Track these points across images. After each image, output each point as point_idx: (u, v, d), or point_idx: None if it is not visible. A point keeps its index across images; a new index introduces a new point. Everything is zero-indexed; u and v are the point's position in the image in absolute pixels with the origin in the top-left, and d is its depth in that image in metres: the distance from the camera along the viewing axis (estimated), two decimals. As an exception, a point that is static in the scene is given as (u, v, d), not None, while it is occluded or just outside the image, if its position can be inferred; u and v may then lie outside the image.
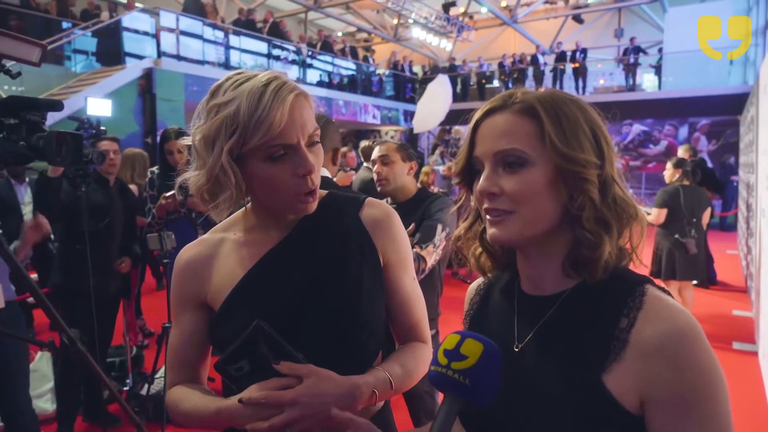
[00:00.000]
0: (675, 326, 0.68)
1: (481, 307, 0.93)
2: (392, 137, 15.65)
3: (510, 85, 15.37)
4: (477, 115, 0.81)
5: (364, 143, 5.01)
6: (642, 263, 0.80)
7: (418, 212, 2.28)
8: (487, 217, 0.79)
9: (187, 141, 0.96)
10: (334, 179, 2.07)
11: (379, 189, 2.38)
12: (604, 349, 0.71)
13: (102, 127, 3.31)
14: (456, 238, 0.89)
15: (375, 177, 2.40)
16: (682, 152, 6.11)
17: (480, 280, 0.97)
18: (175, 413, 1.01)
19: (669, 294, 0.75)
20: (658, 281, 0.80)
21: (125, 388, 3.38)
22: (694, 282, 4.88)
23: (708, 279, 6.24)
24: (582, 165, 0.74)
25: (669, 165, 4.69)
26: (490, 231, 0.79)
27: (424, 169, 6.65)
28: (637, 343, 0.69)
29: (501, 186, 0.76)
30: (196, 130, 0.93)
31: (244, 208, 1.06)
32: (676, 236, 4.41)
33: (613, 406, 0.69)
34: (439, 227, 2.21)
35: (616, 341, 0.70)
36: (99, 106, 3.58)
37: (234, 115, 0.88)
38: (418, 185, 2.51)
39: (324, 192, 1.07)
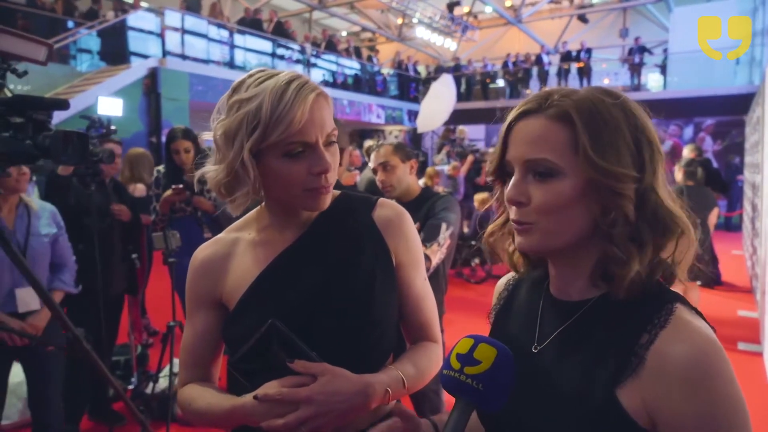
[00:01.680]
0: (692, 350, 0.65)
1: (507, 304, 0.92)
2: (396, 137, 15.65)
3: (514, 85, 15.32)
4: (511, 116, 0.77)
5: (368, 143, 5.01)
6: (686, 279, 0.76)
7: (423, 211, 2.28)
8: (513, 224, 0.77)
9: (207, 136, 0.98)
10: (339, 179, 2.07)
11: (386, 196, 2.37)
12: (621, 362, 0.69)
13: (112, 126, 3.32)
14: (489, 234, 0.88)
15: (380, 185, 2.40)
16: (687, 152, 6.10)
17: (510, 274, 0.96)
18: (187, 412, 1.02)
19: (701, 315, 0.71)
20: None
21: (130, 387, 3.39)
22: (699, 282, 4.86)
23: (713, 279, 6.22)
24: (617, 179, 0.69)
25: (677, 165, 4.71)
26: (517, 239, 0.78)
27: (428, 171, 6.64)
28: (654, 361, 0.67)
29: (529, 195, 0.73)
30: (217, 125, 0.95)
31: (258, 207, 1.07)
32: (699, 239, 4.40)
33: (625, 421, 0.68)
34: (444, 226, 2.21)
35: (635, 357, 0.68)
36: (110, 106, 3.58)
37: (256, 111, 0.89)
38: (421, 184, 2.51)
39: (337, 192, 1.08)
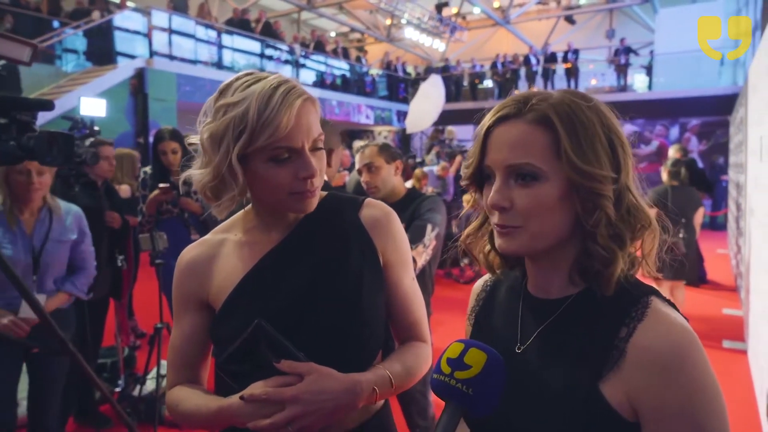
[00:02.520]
0: (669, 341, 0.68)
1: (486, 305, 0.93)
2: (385, 137, 15.65)
3: (502, 85, 15.38)
4: (488, 121, 0.77)
5: (357, 143, 5.01)
6: (653, 272, 0.78)
7: (408, 212, 2.28)
8: (497, 228, 0.78)
9: (193, 139, 0.97)
10: (329, 181, 2.06)
11: (371, 197, 2.37)
12: (602, 357, 0.71)
13: (96, 127, 3.29)
14: (465, 236, 0.88)
15: (364, 186, 2.39)
16: (673, 152, 6.16)
17: (487, 276, 0.97)
18: (175, 413, 1.02)
19: (675, 307, 0.74)
20: (648, 280, 0.80)
21: (117, 390, 3.36)
22: (684, 281, 4.91)
23: (698, 278, 6.28)
24: (599, 181, 0.71)
25: (663, 166, 4.76)
26: (498, 241, 0.78)
27: (416, 173, 6.64)
28: (633, 354, 0.69)
29: (512, 199, 0.74)
30: (203, 128, 0.94)
31: (244, 209, 1.07)
32: (664, 236, 4.43)
33: (609, 414, 0.69)
34: (429, 227, 2.21)
35: (615, 350, 0.70)
36: (93, 106, 3.55)
37: (243, 115, 0.89)
38: (409, 186, 2.51)
39: (324, 193, 1.08)
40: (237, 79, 0.95)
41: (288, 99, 0.90)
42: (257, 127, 0.88)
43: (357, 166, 2.41)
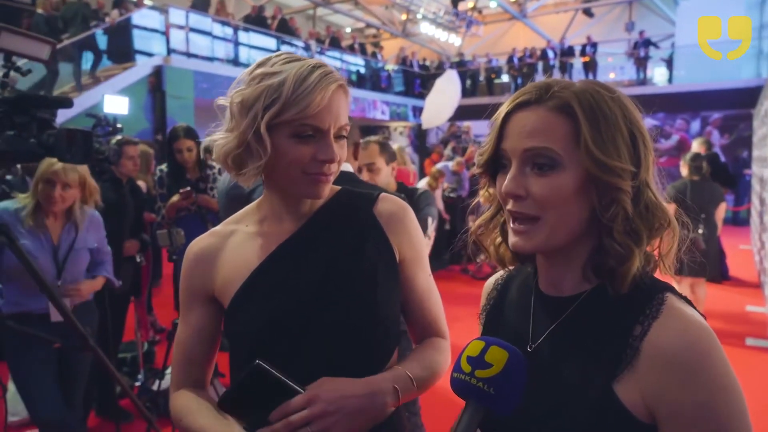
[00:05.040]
0: (686, 339, 0.65)
1: (498, 303, 0.91)
2: (401, 133, 15.63)
3: (519, 80, 15.24)
4: (507, 106, 0.76)
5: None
6: (669, 271, 0.76)
7: None
8: (511, 224, 0.76)
9: (222, 101, 0.97)
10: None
11: None
12: (616, 356, 0.69)
13: (118, 125, 3.33)
14: (477, 227, 0.86)
15: None
16: (696, 146, 6.01)
17: (498, 274, 0.94)
18: (178, 426, 0.99)
19: (691, 304, 0.71)
20: (667, 277, 0.78)
21: (137, 384, 3.41)
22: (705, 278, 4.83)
23: (720, 274, 6.17)
24: (617, 174, 0.69)
25: (682, 160, 4.67)
26: (513, 240, 0.75)
27: (432, 171, 6.58)
28: (649, 352, 0.67)
29: (528, 188, 0.72)
30: (235, 93, 0.94)
31: (256, 201, 1.06)
32: (683, 233, 4.36)
33: (623, 415, 0.67)
34: (430, 219, 2.37)
35: (629, 349, 0.68)
36: (116, 104, 3.59)
37: (278, 85, 0.89)
38: (425, 187, 2.61)
39: (338, 187, 1.06)
40: (278, 55, 0.95)
41: (324, 81, 0.90)
42: (290, 100, 0.88)
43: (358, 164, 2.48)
